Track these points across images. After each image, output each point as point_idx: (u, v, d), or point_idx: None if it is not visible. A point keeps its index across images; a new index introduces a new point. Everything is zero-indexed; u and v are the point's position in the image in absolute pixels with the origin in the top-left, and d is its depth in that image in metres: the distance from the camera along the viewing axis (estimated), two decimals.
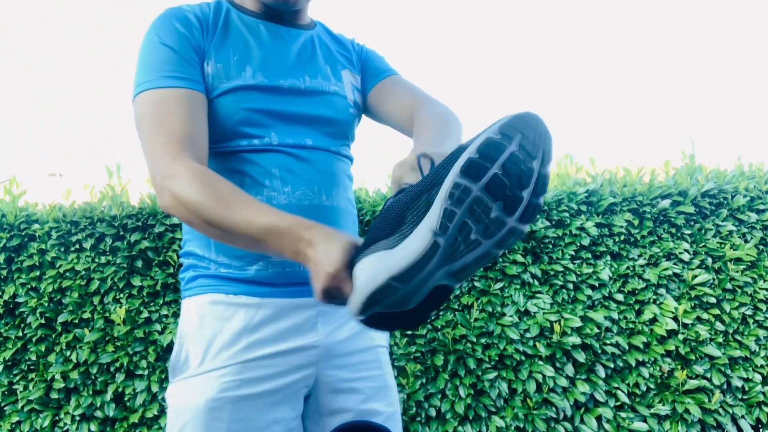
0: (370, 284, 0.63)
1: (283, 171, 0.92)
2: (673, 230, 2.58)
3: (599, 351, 2.39)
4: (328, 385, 0.95)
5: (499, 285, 2.43)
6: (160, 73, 0.87)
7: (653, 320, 2.46)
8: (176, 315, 2.43)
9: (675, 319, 2.46)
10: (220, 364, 0.87)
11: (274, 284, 0.91)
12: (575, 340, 2.34)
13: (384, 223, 0.65)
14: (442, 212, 0.58)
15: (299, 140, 0.94)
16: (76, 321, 2.41)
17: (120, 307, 2.38)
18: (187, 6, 0.96)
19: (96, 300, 2.42)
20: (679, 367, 2.44)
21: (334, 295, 0.69)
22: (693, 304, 2.51)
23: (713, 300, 2.49)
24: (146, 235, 2.47)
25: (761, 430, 2.50)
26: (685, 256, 2.52)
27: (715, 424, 2.42)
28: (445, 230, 0.58)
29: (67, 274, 2.43)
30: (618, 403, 2.40)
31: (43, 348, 2.39)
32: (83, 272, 2.43)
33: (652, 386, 2.42)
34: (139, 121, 0.87)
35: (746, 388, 2.48)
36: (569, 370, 2.37)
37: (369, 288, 0.63)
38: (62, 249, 2.46)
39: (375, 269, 0.62)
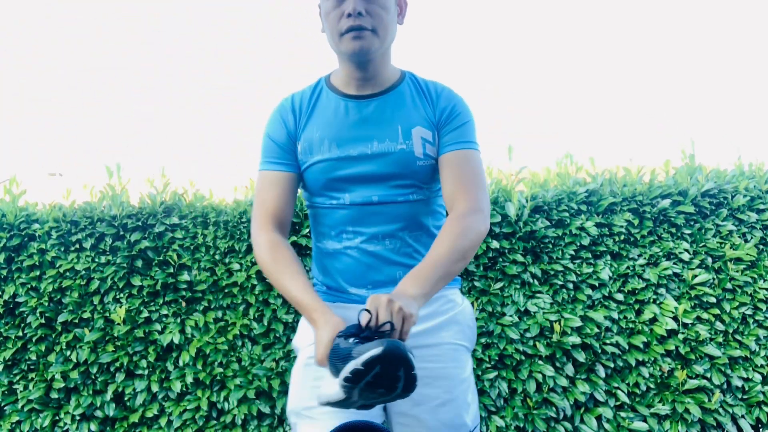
0: (324, 395, 0.93)
1: (352, 225, 1.21)
2: (673, 230, 2.58)
3: (599, 351, 2.39)
4: None
5: (499, 285, 2.43)
6: (265, 158, 1.24)
7: (653, 320, 2.46)
8: (176, 315, 2.43)
9: (675, 318, 2.46)
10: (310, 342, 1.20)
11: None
12: (575, 339, 2.34)
13: (334, 355, 0.94)
14: (344, 386, 0.87)
15: (367, 198, 1.20)
16: (76, 321, 2.41)
17: (120, 307, 2.38)
18: (295, 94, 1.25)
19: (96, 300, 2.42)
20: (679, 366, 2.44)
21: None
22: (693, 304, 2.51)
23: (713, 300, 2.49)
24: (146, 235, 2.47)
25: (761, 429, 2.50)
26: (685, 256, 2.52)
27: (715, 424, 2.42)
28: (349, 392, 0.87)
29: (67, 273, 2.43)
30: (618, 403, 2.40)
31: (43, 348, 2.39)
32: (83, 272, 2.43)
33: (652, 386, 2.42)
34: (255, 191, 1.25)
35: (746, 388, 2.48)
36: (569, 369, 2.37)
37: (325, 397, 0.93)
38: (62, 249, 2.46)
39: (325, 389, 0.93)
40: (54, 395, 2.37)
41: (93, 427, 2.35)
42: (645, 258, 2.52)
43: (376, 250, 1.20)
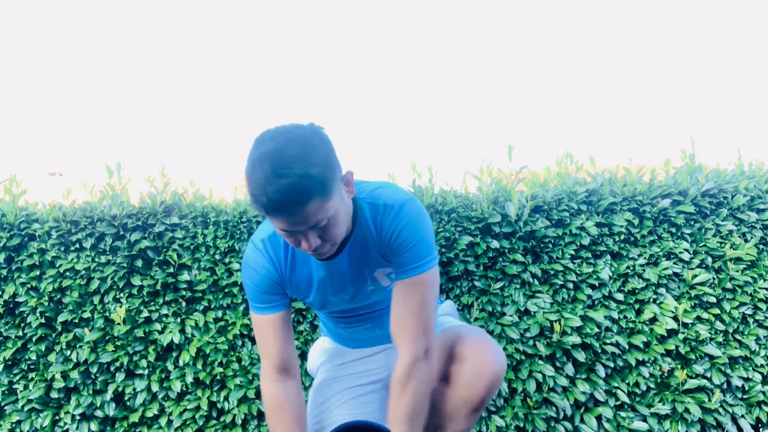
0: None
1: (354, 321, 1.45)
2: (673, 230, 2.58)
3: (599, 350, 2.39)
4: None
5: (499, 284, 2.43)
6: (253, 301, 1.32)
7: (653, 320, 2.46)
8: (176, 314, 2.43)
9: (675, 318, 2.46)
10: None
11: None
12: (575, 339, 2.34)
13: None
14: None
15: (360, 325, 1.47)
16: (76, 320, 2.41)
17: (120, 307, 2.38)
18: (265, 241, 1.27)
19: (96, 299, 2.42)
20: (679, 366, 2.44)
21: None
22: (693, 304, 2.51)
23: (713, 299, 2.49)
24: (146, 235, 2.47)
25: (761, 429, 2.50)
26: (685, 256, 2.52)
27: (715, 424, 2.42)
28: None
29: (67, 273, 2.43)
30: (618, 403, 2.40)
31: (43, 347, 2.39)
32: (83, 272, 2.43)
33: (652, 386, 2.42)
34: (255, 332, 1.37)
35: (746, 388, 2.48)
36: (569, 369, 2.37)
37: None
38: (62, 248, 2.46)
39: None
40: (54, 395, 2.37)
41: (93, 426, 2.35)
42: (645, 258, 2.52)
43: (383, 332, 1.39)
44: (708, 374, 2.44)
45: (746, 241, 2.62)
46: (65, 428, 2.37)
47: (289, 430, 1.25)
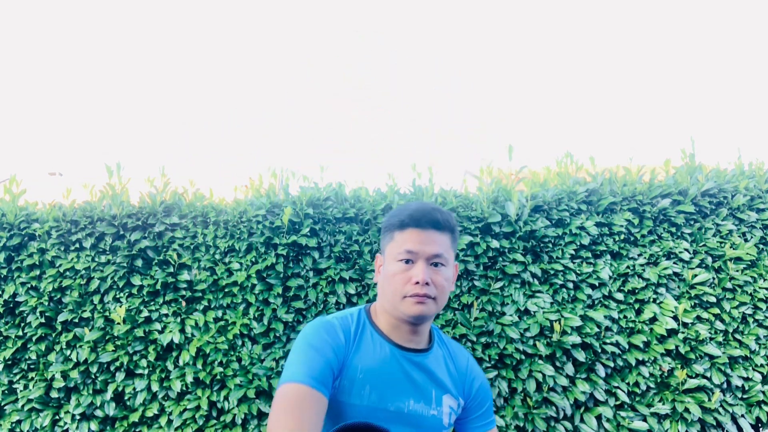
0: None
1: None
2: (673, 229, 2.58)
3: (599, 350, 2.39)
4: None
5: (499, 284, 2.43)
6: (310, 372, 1.07)
7: (653, 319, 2.46)
8: (176, 314, 2.43)
9: (675, 318, 2.46)
10: None
11: None
12: (575, 339, 2.34)
13: None
14: None
15: None
16: (76, 320, 2.41)
17: (120, 306, 2.38)
18: (338, 319, 1.19)
19: (96, 299, 2.42)
20: (679, 366, 2.44)
21: None
22: (693, 303, 2.51)
23: (713, 299, 2.49)
24: (146, 234, 2.47)
25: (761, 429, 2.50)
26: (685, 255, 2.52)
27: (714, 423, 2.42)
28: None
29: (67, 273, 2.43)
30: (618, 402, 2.40)
31: (43, 347, 2.39)
32: (83, 271, 2.43)
33: (652, 385, 2.42)
34: (279, 401, 1.04)
35: (746, 387, 2.48)
36: (569, 369, 2.37)
37: None
38: (62, 248, 2.46)
39: None
40: (54, 394, 2.37)
41: (93, 426, 2.35)
42: (645, 257, 2.52)
43: None
44: (708, 374, 2.44)
45: (746, 240, 2.62)
46: (65, 428, 2.37)
47: None
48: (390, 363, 1.17)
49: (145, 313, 2.40)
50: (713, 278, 2.54)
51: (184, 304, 2.44)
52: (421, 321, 1.16)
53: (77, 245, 2.45)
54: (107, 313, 2.41)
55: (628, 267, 2.49)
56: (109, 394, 2.35)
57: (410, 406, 1.18)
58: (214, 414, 2.36)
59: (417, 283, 1.11)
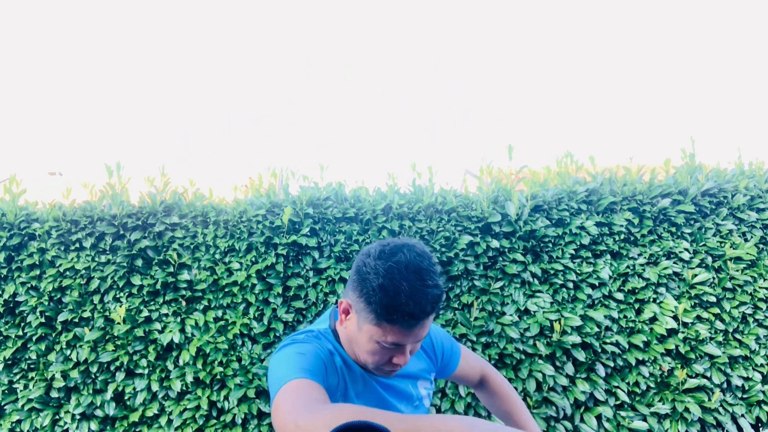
0: None
1: None
2: (673, 229, 2.58)
3: (599, 350, 2.39)
4: None
5: (499, 284, 2.43)
6: (303, 368, 0.99)
7: (653, 319, 2.46)
8: (176, 314, 2.43)
9: (675, 317, 2.46)
10: None
11: None
12: (575, 338, 2.34)
13: None
14: None
15: None
16: (76, 320, 2.41)
17: (120, 306, 2.38)
18: (324, 348, 1.09)
19: (96, 299, 2.42)
20: (679, 365, 2.44)
21: None
22: (693, 303, 2.51)
23: (713, 299, 2.49)
24: (146, 234, 2.47)
25: (761, 428, 2.50)
26: (685, 255, 2.52)
27: (714, 423, 2.42)
28: None
29: (67, 272, 2.44)
30: (618, 402, 2.40)
31: (43, 347, 2.39)
32: (83, 271, 2.43)
33: (652, 385, 2.42)
34: (281, 401, 0.92)
35: (746, 387, 2.48)
36: (569, 368, 2.37)
37: None
38: (62, 248, 2.46)
39: None
40: (54, 394, 2.37)
41: (93, 426, 2.35)
42: (645, 257, 2.52)
43: None
44: (708, 374, 2.44)
45: (746, 240, 2.62)
46: (65, 428, 2.37)
47: None
48: (369, 390, 1.14)
49: (145, 313, 2.40)
50: (713, 278, 2.54)
51: (184, 303, 2.44)
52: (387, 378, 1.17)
53: (77, 245, 2.45)
54: (107, 313, 2.41)
55: (628, 267, 2.49)
56: (109, 394, 2.35)
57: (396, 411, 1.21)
58: (214, 414, 2.36)
59: (395, 364, 1.04)
